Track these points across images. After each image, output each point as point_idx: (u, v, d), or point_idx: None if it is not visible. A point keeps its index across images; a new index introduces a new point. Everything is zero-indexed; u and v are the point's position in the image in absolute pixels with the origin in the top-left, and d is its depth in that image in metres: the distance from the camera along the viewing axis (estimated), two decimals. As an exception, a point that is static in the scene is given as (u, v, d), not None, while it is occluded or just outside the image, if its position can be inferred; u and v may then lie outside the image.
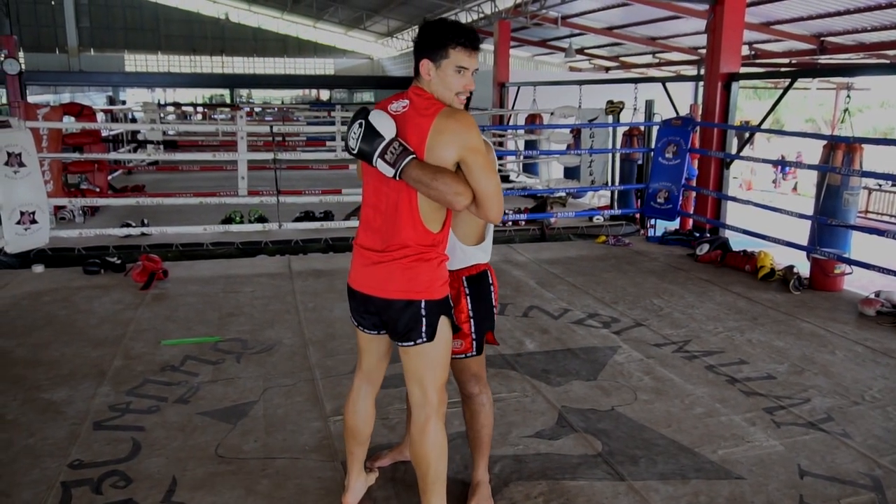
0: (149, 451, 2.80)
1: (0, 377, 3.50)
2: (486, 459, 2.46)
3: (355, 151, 2.05)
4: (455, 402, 2.74)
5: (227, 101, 25.53)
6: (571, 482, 2.62)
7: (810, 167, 5.96)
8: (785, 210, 6.10)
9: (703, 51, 8.20)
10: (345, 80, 28.49)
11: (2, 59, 8.97)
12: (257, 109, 22.06)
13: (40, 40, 28.68)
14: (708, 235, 6.82)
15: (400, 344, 2.16)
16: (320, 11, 31.25)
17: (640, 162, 8.29)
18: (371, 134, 2.01)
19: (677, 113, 8.16)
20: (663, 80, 9.82)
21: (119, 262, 5.59)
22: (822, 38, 13.19)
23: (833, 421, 3.14)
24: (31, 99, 9.53)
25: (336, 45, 36.62)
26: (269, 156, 6.76)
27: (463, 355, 2.32)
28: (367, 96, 26.51)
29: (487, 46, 14.78)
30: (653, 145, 7.43)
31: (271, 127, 9.88)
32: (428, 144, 2.00)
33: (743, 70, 7.52)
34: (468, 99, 2.11)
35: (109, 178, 9.34)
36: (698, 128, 7.36)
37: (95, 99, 18.60)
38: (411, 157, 1.98)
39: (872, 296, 4.82)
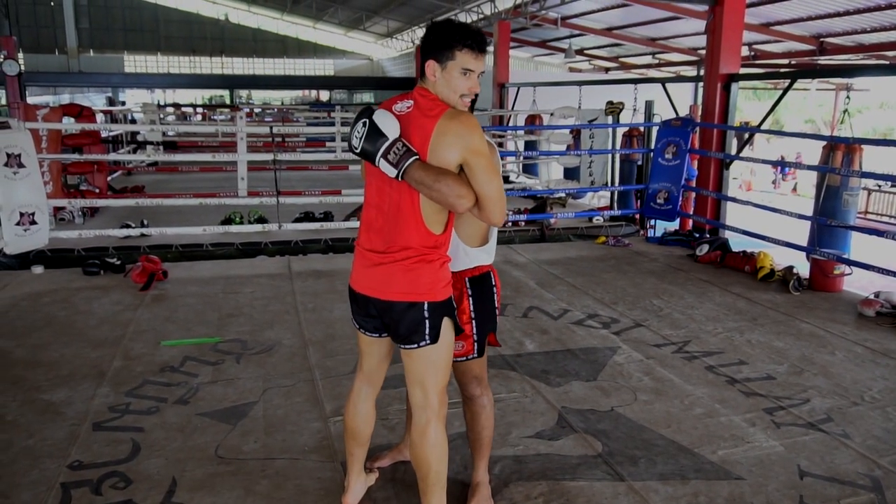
0: (148, 451, 2.80)
1: (-1, 378, 3.51)
2: (486, 460, 2.46)
3: (358, 151, 2.04)
4: (455, 403, 2.74)
5: (227, 101, 25.56)
6: (571, 483, 2.62)
7: (810, 168, 5.96)
8: (784, 211, 6.10)
9: (703, 51, 8.21)
10: (344, 81, 28.50)
11: (1, 60, 8.96)
12: (257, 110, 22.08)
13: (40, 41, 28.68)
14: (708, 236, 6.82)
15: (402, 346, 2.15)
16: (320, 12, 31.25)
17: (639, 162, 8.29)
18: (375, 133, 2.00)
19: (677, 113, 8.16)
20: (663, 81, 9.83)
21: (119, 262, 5.59)
22: (822, 39, 13.21)
23: (833, 421, 3.14)
24: (30, 100, 9.53)
25: (336, 45, 36.61)
26: (268, 156, 6.76)
27: (464, 357, 2.32)
28: (366, 97, 26.54)
29: (487, 47, 14.79)
30: (652, 146, 7.43)
31: (271, 128, 9.86)
32: (431, 145, 1.99)
33: (742, 71, 7.53)
34: (473, 101, 2.10)
35: (109, 178, 9.33)
36: (698, 128, 7.37)
37: (95, 100, 18.58)
38: (414, 157, 1.97)
39: (872, 296, 4.82)
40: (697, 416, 3.19)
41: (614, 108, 8.29)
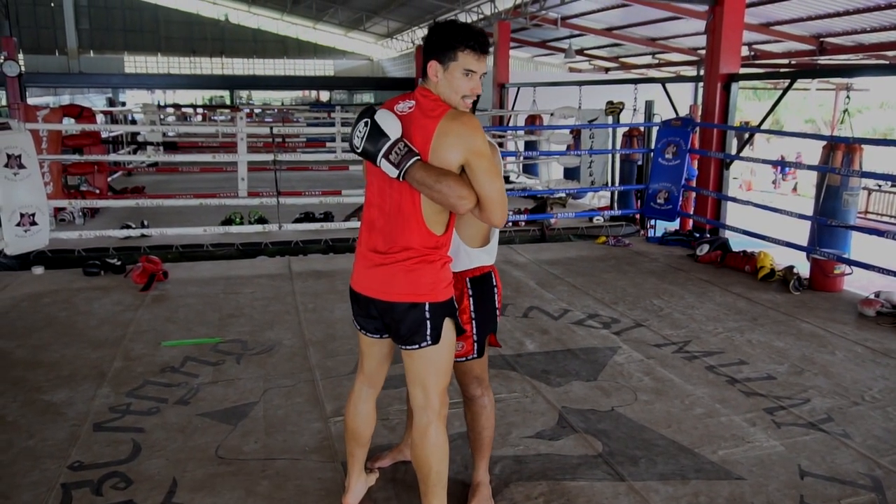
0: (149, 452, 2.80)
1: (0, 378, 3.51)
2: (486, 460, 2.46)
3: (360, 150, 2.04)
4: (456, 403, 2.74)
5: (227, 102, 25.56)
6: (572, 483, 2.62)
7: (810, 168, 5.96)
8: (785, 210, 6.10)
9: (703, 51, 8.20)
10: (344, 82, 28.51)
11: (1, 60, 8.97)
12: (257, 111, 22.09)
13: (40, 42, 28.69)
14: (708, 236, 6.82)
15: (403, 347, 2.14)
16: (320, 13, 31.24)
17: (639, 162, 8.29)
18: (376, 133, 1.99)
19: (677, 113, 8.16)
20: (663, 81, 9.83)
21: (119, 263, 5.59)
22: (822, 39, 13.21)
23: (833, 421, 3.14)
24: (30, 101, 9.55)
25: (336, 46, 36.61)
26: (269, 157, 6.76)
27: (465, 358, 2.32)
28: (366, 97, 26.54)
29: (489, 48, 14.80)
30: (652, 146, 7.43)
31: (271, 128, 9.86)
32: (433, 146, 1.99)
33: (742, 71, 7.53)
34: (475, 102, 2.10)
35: (109, 179, 9.33)
36: (698, 128, 7.37)
37: (95, 100, 18.61)
38: (416, 158, 1.97)
39: (872, 296, 4.82)
40: (698, 416, 3.19)
41: (614, 109, 8.29)
